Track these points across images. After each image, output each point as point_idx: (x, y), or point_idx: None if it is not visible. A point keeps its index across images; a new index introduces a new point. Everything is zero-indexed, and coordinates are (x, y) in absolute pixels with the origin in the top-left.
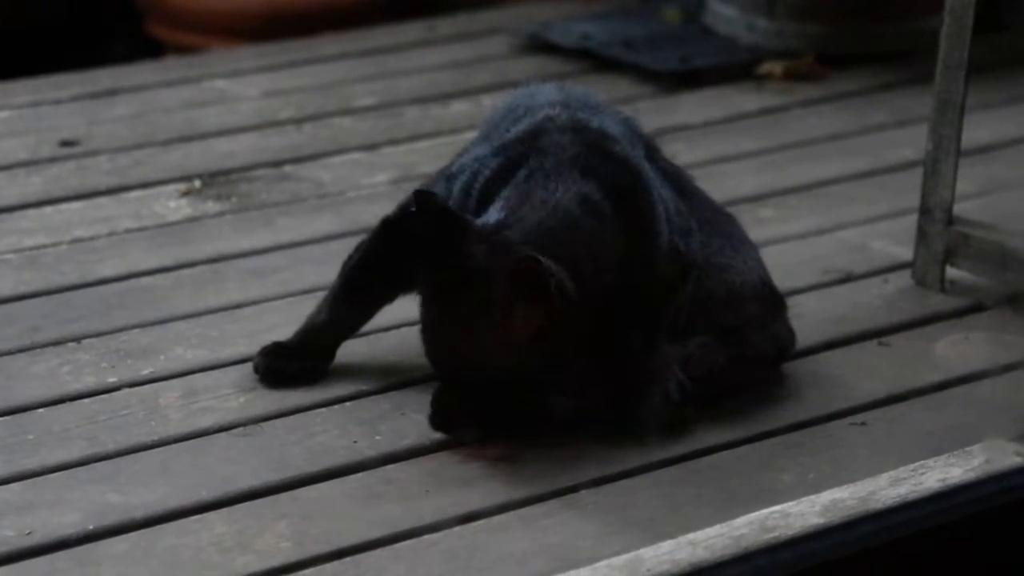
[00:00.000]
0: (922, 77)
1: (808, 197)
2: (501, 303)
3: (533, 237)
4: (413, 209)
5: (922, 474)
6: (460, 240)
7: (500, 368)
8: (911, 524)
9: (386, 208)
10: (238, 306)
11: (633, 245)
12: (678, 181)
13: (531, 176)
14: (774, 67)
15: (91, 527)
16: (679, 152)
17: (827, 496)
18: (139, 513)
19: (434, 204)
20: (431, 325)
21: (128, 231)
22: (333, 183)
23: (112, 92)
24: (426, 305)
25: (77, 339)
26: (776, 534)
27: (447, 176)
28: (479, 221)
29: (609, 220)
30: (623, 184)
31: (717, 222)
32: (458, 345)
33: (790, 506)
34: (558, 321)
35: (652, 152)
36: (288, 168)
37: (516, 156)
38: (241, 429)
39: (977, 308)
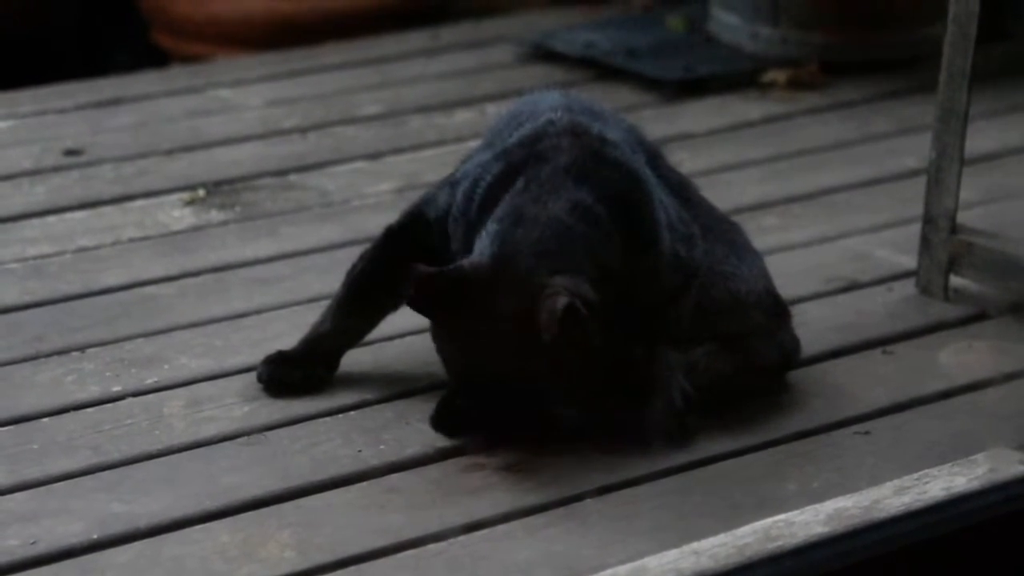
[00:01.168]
0: (926, 86)
1: (812, 205)
2: (549, 348)
3: (537, 264)
4: (410, 292)
5: (926, 483)
6: (461, 292)
7: (526, 379)
8: (915, 533)
9: (390, 217)
10: (242, 315)
11: (633, 253)
12: (682, 190)
13: (526, 188)
14: (778, 76)
15: (96, 536)
16: (683, 161)
17: (831, 505)
18: (144, 522)
19: (426, 277)
20: (457, 352)
21: (132, 240)
22: (337, 192)
23: (116, 101)
24: (446, 342)
25: (81, 348)
26: (780, 543)
27: (451, 183)
28: (472, 260)
29: (604, 225)
30: (621, 190)
31: (721, 231)
32: (491, 375)
33: (794, 515)
34: (592, 328)
35: (656, 160)
36: (292, 177)
37: (517, 161)
38: (245, 438)
39: (981, 317)
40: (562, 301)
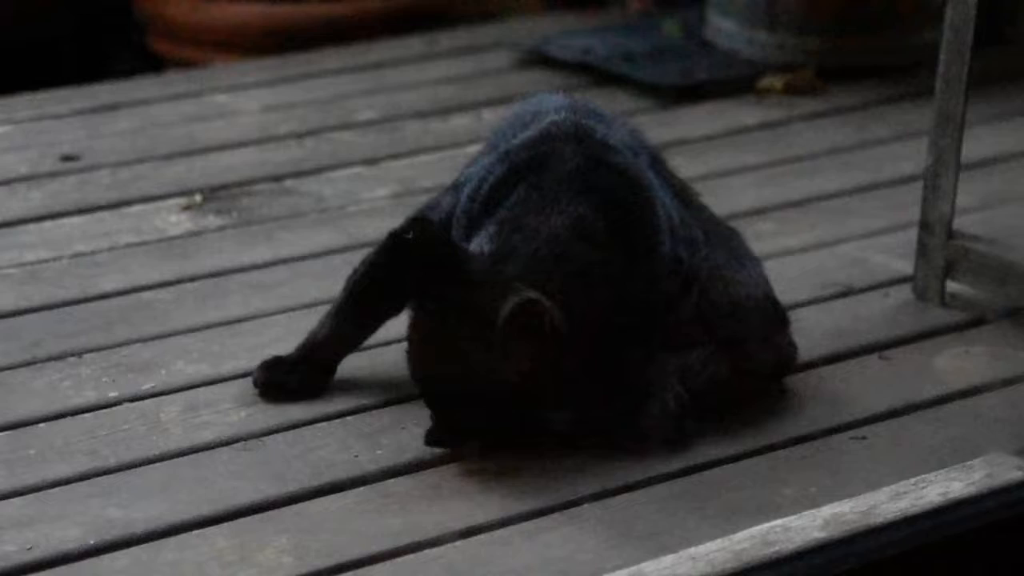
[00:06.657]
0: (922, 91)
1: (808, 211)
2: (497, 342)
3: (525, 273)
4: (409, 236)
5: (923, 488)
6: (455, 272)
7: (493, 395)
8: (912, 538)
9: (387, 222)
10: (239, 320)
11: (632, 260)
12: (683, 194)
13: (528, 197)
14: (774, 81)
15: (92, 542)
16: (679, 166)
17: (828, 510)
18: (140, 528)
19: (431, 232)
20: (424, 353)
21: (129, 245)
22: (334, 197)
23: (113, 107)
24: (419, 333)
25: (78, 353)
26: (777, 548)
27: (455, 187)
28: (473, 250)
29: (604, 242)
30: (622, 198)
31: (721, 236)
32: (452, 375)
33: (791, 520)
34: (551, 354)
35: (657, 164)
36: (289, 182)
37: (519, 163)
38: (242, 443)
39: (977, 322)
40: (526, 295)
